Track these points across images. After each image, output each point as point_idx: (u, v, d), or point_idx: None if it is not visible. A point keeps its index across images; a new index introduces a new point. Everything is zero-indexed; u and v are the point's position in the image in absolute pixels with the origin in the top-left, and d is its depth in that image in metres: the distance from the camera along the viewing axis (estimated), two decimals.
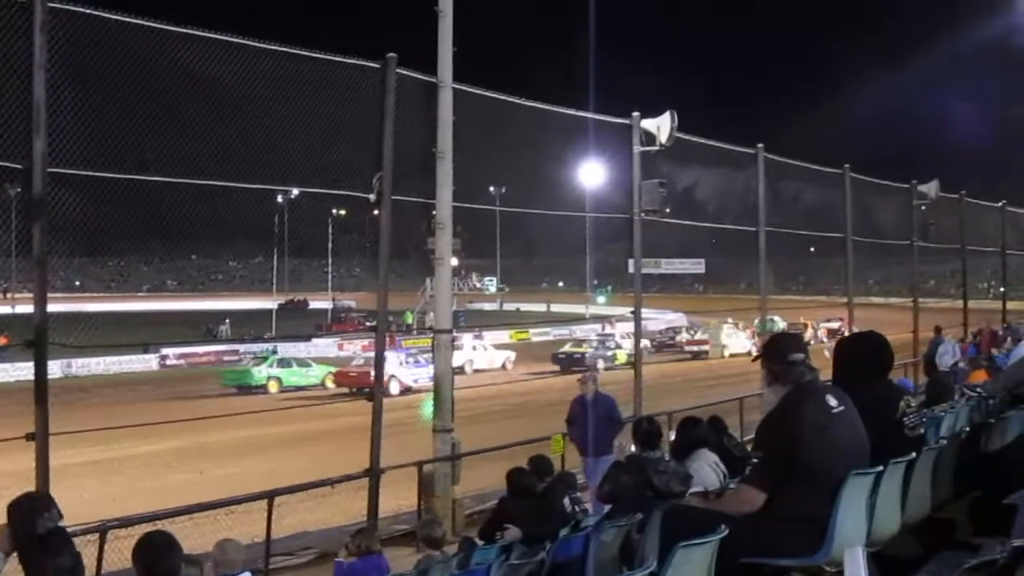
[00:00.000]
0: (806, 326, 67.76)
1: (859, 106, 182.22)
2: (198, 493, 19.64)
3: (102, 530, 13.51)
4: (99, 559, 13.28)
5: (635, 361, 23.84)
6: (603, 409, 18.79)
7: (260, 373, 54.91)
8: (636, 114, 23.05)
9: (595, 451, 18.36)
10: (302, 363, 57.38)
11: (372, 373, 49.72)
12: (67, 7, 13.42)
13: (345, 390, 49.23)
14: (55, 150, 13.26)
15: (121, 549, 11.67)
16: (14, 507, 7.35)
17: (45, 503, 7.13)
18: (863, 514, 6.98)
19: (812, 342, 55.03)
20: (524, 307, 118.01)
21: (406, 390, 48.35)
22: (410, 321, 79.96)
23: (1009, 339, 32.48)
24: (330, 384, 53.51)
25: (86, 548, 11.69)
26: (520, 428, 25.02)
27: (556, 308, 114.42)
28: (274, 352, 61.44)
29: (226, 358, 72.89)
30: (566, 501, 12.41)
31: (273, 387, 54.06)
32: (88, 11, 13.71)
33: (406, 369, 51.01)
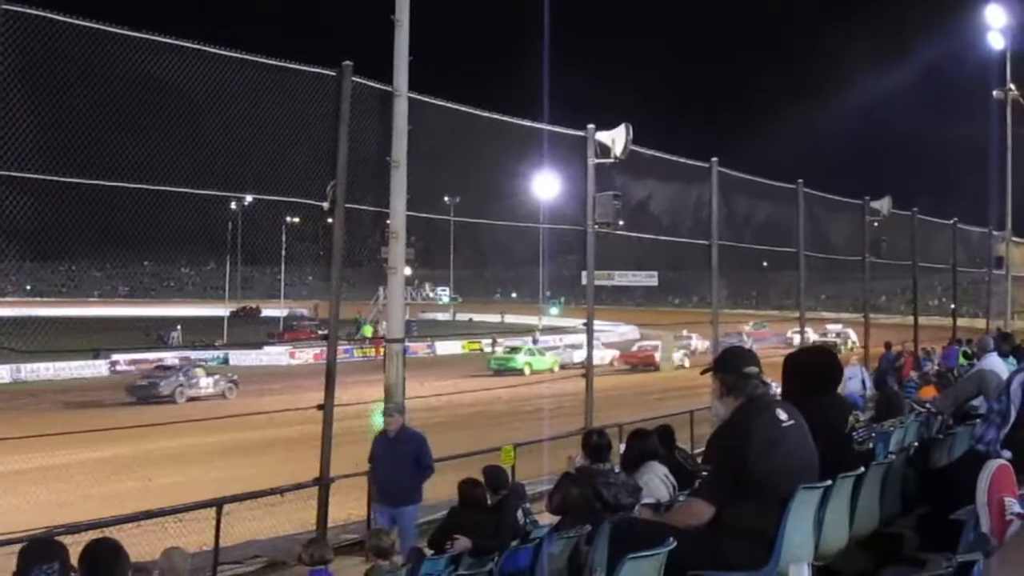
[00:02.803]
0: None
1: (814, 121, 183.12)
2: (146, 500, 19.47)
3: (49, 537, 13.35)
4: None
5: (587, 373, 23.80)
6: (407, 449, 15.90)
7: (520, 359, 67.13)
8: (591, 126, 23.05)
9: (392, 499, 15.86)
10: (542, 353, 70.30)
11: (655, 355, 65.80)
12: (18, 8, 13.31)
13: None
14: (5, 153, 13.15)
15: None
16: (21, 549, 7.05)
17: (47, 553, 6.75)
18: (811, 528, 7.00)
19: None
20: (477, 318, 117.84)
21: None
22: (369, 335, 79.73)
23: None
24: (556, 369, 64.68)
25: None
26: (499, 436, 24.60)
27: (508, 319, 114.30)
28: (526, 344, 73.08)
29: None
30: (519, 513, 12.38)
31: (527, 370, 65.11)
32: (40, 13, 13.61)
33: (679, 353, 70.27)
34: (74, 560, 6.76)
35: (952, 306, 47.89)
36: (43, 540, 7.39)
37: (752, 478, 6.64)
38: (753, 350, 8.11)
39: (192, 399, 52.72)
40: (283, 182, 18.69)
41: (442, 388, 40.54)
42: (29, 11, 13.48)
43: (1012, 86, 47.06)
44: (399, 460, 15.77)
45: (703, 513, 6.74)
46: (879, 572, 7.87)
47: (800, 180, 31.65)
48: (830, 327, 77.64)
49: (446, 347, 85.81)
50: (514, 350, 70.15)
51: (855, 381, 27.91)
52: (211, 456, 31.05)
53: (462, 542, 11.81)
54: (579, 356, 63.38)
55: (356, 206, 18.64)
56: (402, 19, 18.99)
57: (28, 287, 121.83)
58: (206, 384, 54.56)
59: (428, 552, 12.22)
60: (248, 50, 16.62)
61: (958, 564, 5.52)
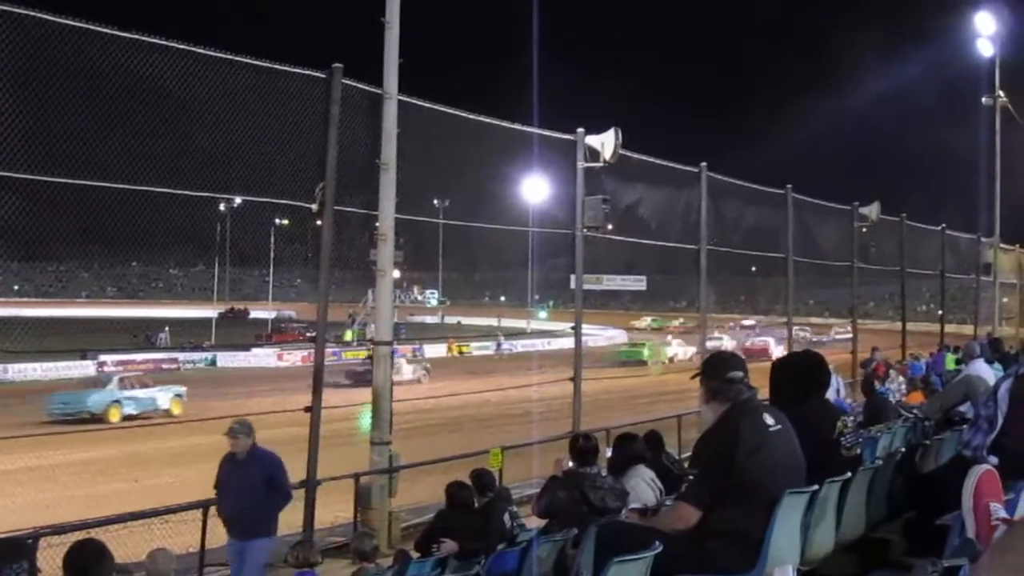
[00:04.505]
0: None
1: (804, 127, 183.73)
2: (133, 502, 19.42)
3: (34, 538, 13.29)
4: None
5: (575, 376, 23.75)
6: (257, 473, 13.69)
7: (645, 352, 79.49)
8: (581, 130, 23.05)
9: (240, 531, 13.73)
10: (660, 347, 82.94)
11: (768, 348, 62.87)
12: (7, 8, 13.28)
13: None
14: None
15: (53, 557, 11.53)
16: None
17: (15, 553, 6.75)
18: (798, 532, 7.00)
19: None
20: (465, 321, 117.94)
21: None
22: (349, 339, 79.47)
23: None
24: (666, 361, 76.58)
25: None
26: (488, 439, 24.48)
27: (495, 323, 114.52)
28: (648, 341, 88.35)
29: (164, 366, 72.42)
30: (505, 517, 12.37)
31: (649, 361, 75.25)
32: (28, 12, 13.58)
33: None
34: (59, 561, 6.76)
35: (940, 312, 47.93)
36: (9, 541, 7.37)
37: (739, 482, 6.63)
38: (738, 354, 8.10)
39: (396, 383, 54.88)
40: (272, 184, 18.64)
41: (433, 390, 40.62)
42: (15, 10, 13.45)
43: (1001, 93, 47.12)
44: (247, 486, 13.60)
45: (690, 517, 6.73)
46: None
47: (789, 185, 31.69)
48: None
49: (433, 350, 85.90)
50: (634, 345, 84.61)
51: (830, 390, 27.78)
52: (200, 457, 30.86)
53: (449, 545, 11.81)
54: (669, 352, 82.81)
55: (345, 208, 18.62)
56: (392, 21, 18.99)
57: (16, 287, 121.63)
58: (407, 371, 59.47)
59: (414, 555, 12.23)
60: (238, 51, 16.61)
61: (944, 569, 5.53)
